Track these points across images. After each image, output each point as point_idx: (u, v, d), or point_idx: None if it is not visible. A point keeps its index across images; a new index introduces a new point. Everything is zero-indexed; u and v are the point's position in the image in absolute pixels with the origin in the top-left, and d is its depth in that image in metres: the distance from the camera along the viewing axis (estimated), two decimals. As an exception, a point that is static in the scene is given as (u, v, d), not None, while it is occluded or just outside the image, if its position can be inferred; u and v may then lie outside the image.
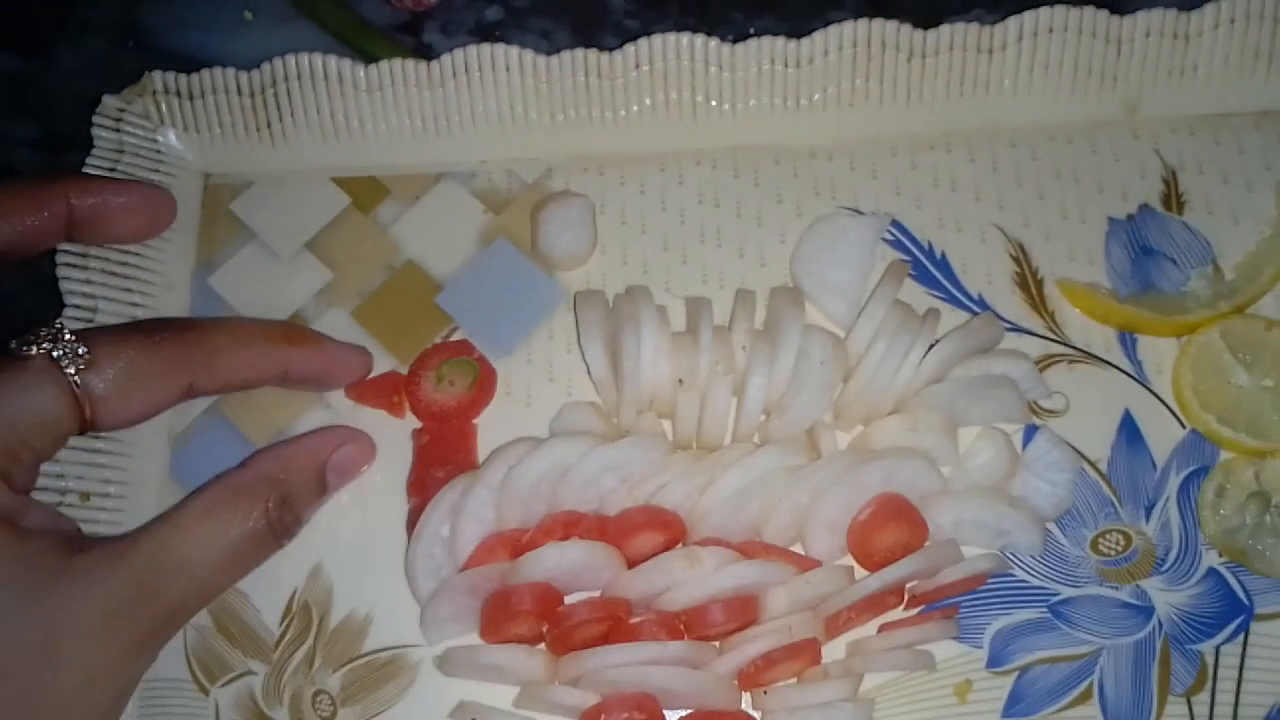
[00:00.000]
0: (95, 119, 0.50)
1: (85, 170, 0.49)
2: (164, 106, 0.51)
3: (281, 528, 0.42)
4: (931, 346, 0.44)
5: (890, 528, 0.42)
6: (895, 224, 0.49)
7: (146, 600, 0.39)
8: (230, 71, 0.51)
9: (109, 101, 0.51)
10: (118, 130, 0.50)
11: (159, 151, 0.51)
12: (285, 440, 0.45)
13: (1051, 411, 0.46)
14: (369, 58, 0.51)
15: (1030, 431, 0.45)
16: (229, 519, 0.40)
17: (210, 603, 0.42)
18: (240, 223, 0.51)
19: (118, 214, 0.47)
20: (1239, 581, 0.43)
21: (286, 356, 0.44)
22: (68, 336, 0.39)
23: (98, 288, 0.47)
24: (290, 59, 0.50)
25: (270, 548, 0.42)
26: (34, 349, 0.39)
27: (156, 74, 0.51)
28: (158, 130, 0.51)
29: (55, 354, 0.39)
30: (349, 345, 0.47)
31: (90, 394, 0.39)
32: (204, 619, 0.44)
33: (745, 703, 0.42)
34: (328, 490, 0.45)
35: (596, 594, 0.43)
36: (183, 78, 0.51)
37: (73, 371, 0.39)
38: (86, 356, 0.39)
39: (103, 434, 0.45)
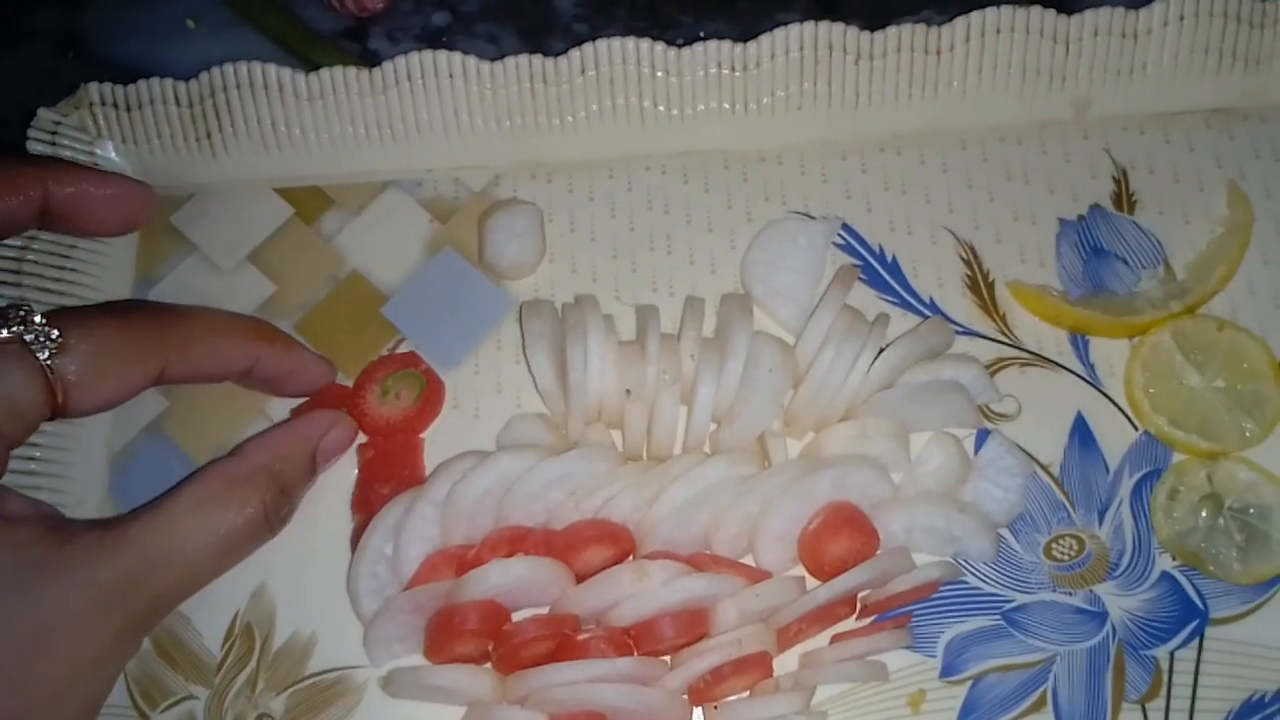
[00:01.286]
0: (30, 132, 0.49)
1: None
2: (101, 118, 0.50)
3: (278, 519, 0.42)
4: (881, 351, 0.44)
5: (841, 537, 0.42)
6: (846, 228, 0.49)
7: (136, 590, 0.38)
8: (168, 82, 0.50)
9: (44, 114, 0.50)
10: (53, 143, 0.49)
11: (96, 164, 0.50)
12: (275, 427, 0.44)
13: (1003, 415, 0.45)
14: (314, 66, 0.50)
15: (982, 436, 0.45)
16: (223, 511, 0.40)
17: (198, 592, 0.41)
18: (180, 236, 0.50)
19: (96, 206, 0.45)
20: (1193, 585, 0.43)
21: (256, 352, 0.44)
22: (38, 320, 0.38)
23: (32, 305, 0.46)
24: (229, 68, 0.49)
25: (264, 538, 0.42)
26: (3, 332, 0.38)
27: (93, 85, 0.50)
28: (95, 143, 0.50)
29: (26, 337, 0.38)
30: (315, 354, 0.46)
31: (63, 378, 0.38)
32: (144, 643, 0.43)
33: (697, 718, 0.42)
34: (316, 475, 0.44)
35: (544, 610, 0.42)
36: (120, 89, 0.50)
37: (45, 356, 0.38)
38: (58, 340, 0.38)
39: (37, 455, 0.45)
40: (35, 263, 0.47)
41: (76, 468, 0.46)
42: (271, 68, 0.49)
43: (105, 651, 0.38)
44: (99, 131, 0.50)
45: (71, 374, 0.39)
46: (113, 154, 0.50)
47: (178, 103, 0.50)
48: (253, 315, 0.47)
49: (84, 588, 0.37)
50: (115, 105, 0.50)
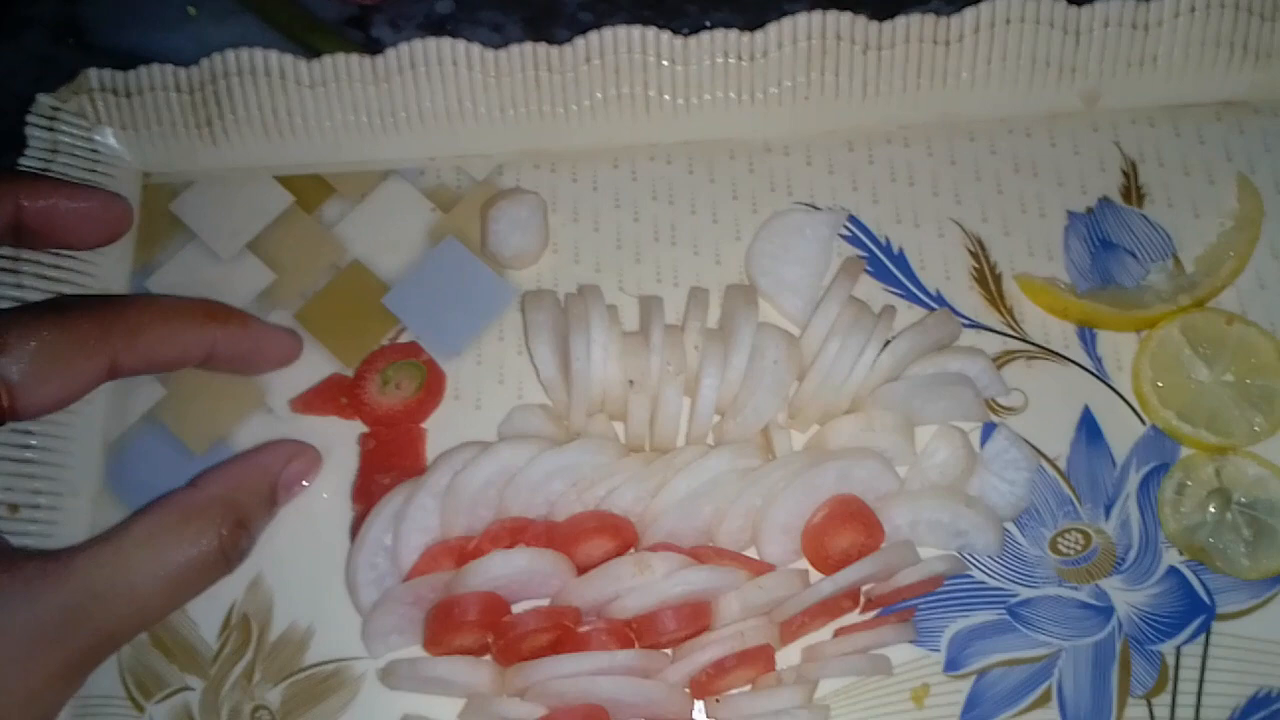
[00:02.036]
0: (29, 118, 0.49)
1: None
2: (100, 105, 0.50)
3: (236, 552, 0.41)
4: (887, 344, 0.43)
5: (845, 530, 0.41)
6: (852, 219, 0.48)
7: (77, 626, 0.36)
8: (169, 68, 0.49)
9: (43, 100, 0.49)
10: (52, 130, 0.49)
11: (95, 151, 0.50)
12: (234, 458, 0.43)
13: (1010, 409, 0.45)
14: (316, 54, 0.50)
15: (988, 429, 0.44)
16: (175, 544, 0.39)
17: (146, 630, 0.40)
18: (180, 223, 0.50)
19: (70, 220, 0.45)
20: (1200, 580, 0.42)
21: (212, 335, 0.43)
22: None
23: (29, 292, 0.46)
24: (230, 54, 0.49)
25: (220, 572, 0.40)
26: None
27: (92, 71, 0.50)
28: (94, 129, 0.50)
29: None
30: (278, 327, 0.46)
31: (5, 380, 0.37)
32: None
33: (699, 712, 0.41)
34: (277, 507, 0.44)
35: (545, 602, 0.42)
36: (120, 75, 0.50)
37: None
38: None
39: (33, 444, 0.44)
40: (33, 249, 0.47)
41: (73, 456, 0.45)
42: (273, 54, 0.49)
43: (40, 690, 0.36)
44: (98, 118, 0.50)
45: (14, 375, 0.38)
46: (112, 140, 0.50)
47: (178, 89, 0.49)
48: (206, 298, 0.45)
49: (20, 622, 0.35)
50: (115, 91, 0.50)
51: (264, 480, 0.43)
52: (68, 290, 0.47)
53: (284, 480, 0.43)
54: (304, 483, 0.45)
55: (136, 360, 0.41)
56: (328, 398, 0.46)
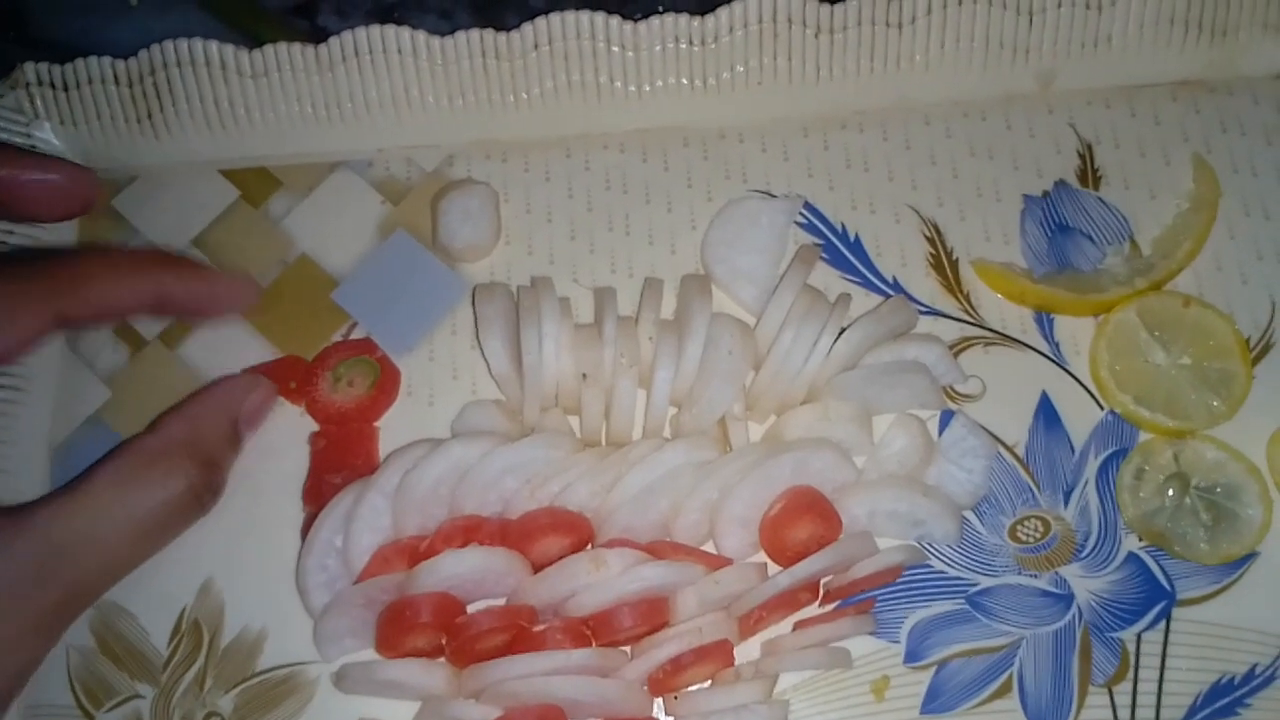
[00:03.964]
0: (-37, 114, 0.48)
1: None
2: (38, 99, 0.49)
3: (209, 493, 0.40)
4: (842, 332, 0.43)
5: (803, 522, 0.41)
6: (808, 206, 0.48)
7: (43, 581, 0.36)
8: (107, 60, 0.48)
9: (-23, 95, 0.48)
10: (-12, 126, 0.48)
11: (34, 147, 0.48)
12: (189, 398, 0.42)
13: (967, 396, 0.45)
14: (260, 43, 0.49)
15: (946, 417, 0.44)
16: (141, 489, 0.38)
17: (123, 578, 0.40)
18: (123, 220, 0.48)
19: (35, 191, 0.43)
20: (1160, 566, 0.42)
21: (160, 279, 0.42)
22: None
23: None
24: (170, 45, 0.48)
25: (194, 514, 0.40)
26: None
27: (29, 65, 0.49)
28: (32, 124, 0.49)
29: None
30: (233, 274, 0.44)
31: None
32: (87, 640, 0.42)
33: (658, 709, 0.41)
34: (241, 444, 0.43)
35: (500, 602, 0.41)
36: (57, 68, 0.48)
37: None
38: None
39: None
40: (10, 222, 0.46)
41: (14, 460, 0.44)
42: (214, 44, 0.48)
43: (12, 646, 0.36)
44: (36, 113, 0.49)
45: None
46: (51, 136, 0.49)
47: (118, 82, 0.48)
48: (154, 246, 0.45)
49: None
50: (53, 85, 0.48)
51: (224, 416, 0.42)
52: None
53: (244, 414, 0.43)
54: (267, 415, 0.44)
55: (85, 309, 0.40)
56: (278, 376, 0.45)
